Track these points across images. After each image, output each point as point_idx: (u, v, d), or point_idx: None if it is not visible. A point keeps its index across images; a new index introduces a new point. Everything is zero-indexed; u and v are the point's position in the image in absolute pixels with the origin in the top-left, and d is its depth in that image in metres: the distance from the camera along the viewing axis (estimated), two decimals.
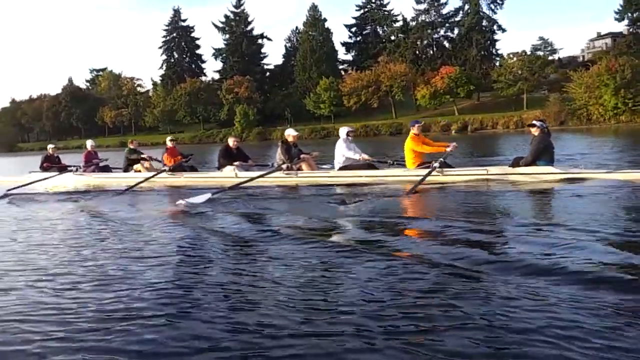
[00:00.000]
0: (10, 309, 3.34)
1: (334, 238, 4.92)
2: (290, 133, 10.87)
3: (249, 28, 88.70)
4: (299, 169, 10.32)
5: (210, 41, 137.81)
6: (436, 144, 9.72)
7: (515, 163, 8.68)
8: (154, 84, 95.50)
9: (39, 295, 3.61)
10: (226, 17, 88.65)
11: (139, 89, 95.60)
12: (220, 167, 11.31)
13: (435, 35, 75.02)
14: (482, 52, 70.45)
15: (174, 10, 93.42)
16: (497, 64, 68.45)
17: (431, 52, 74.25)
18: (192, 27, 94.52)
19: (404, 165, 9.80)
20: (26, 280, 4.04)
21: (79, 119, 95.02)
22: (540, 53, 63.02)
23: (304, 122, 71.11)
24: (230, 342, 2.66)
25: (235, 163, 11.03)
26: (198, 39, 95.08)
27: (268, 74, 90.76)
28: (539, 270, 3.48)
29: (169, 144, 12.57)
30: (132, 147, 13.34)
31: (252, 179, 9.74)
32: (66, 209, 8.38)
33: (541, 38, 65.71)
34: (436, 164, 8.84)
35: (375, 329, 2.70)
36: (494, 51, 72.56)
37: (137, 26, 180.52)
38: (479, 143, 28.46)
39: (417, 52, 75.31)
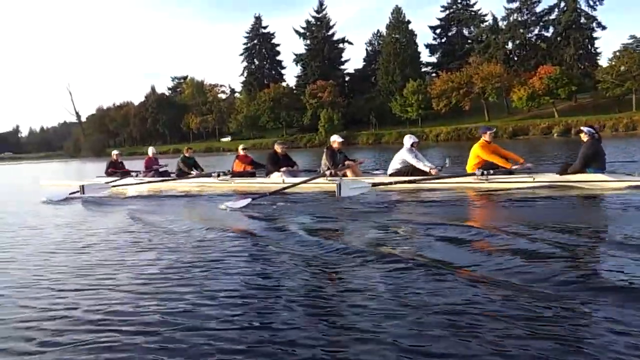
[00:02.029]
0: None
1: (365, 246, 4.72)
2: (335, 139, 10.84)
3: (330, 33, 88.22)
4: (344, 175, 10.33)
5: (288, 47, 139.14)
6: (510, 155, 9.20)
7: (564, 170, 8.34)
8: (232, 90, 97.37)
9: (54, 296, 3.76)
10: (307, 22, 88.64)
11: (222, 95, 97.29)
12: (268, 174, 11.42)
13: (529, 35, 71.29)
14: (581, 51, 66.35)
15: (255, 17, 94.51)
16: (600, 62, 64.29)
17: (524, 52, 70.61)
18: (273, 34, 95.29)
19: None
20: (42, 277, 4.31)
21: (165, 125, 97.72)
22: None
23: (390, 126, 69.50)
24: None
25: (282, 169, 11.07)
26: (278, 45, 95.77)
27: (348, 78, 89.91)
28: (603, 288, 3.21)
29: (241, 152, 12.83)
30: (187, 155, 13.57)
31: (294, 184, 9.80)
32: (120, 210, 8.79)
33: (632, 36, 60.90)
34: (478, 172, 8.75)
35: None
36: (593, 50, 68.19)
37: (216, 34, 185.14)
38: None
39: (509, 52, 71.89)
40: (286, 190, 9.52)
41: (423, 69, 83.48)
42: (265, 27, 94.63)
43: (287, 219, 6.74)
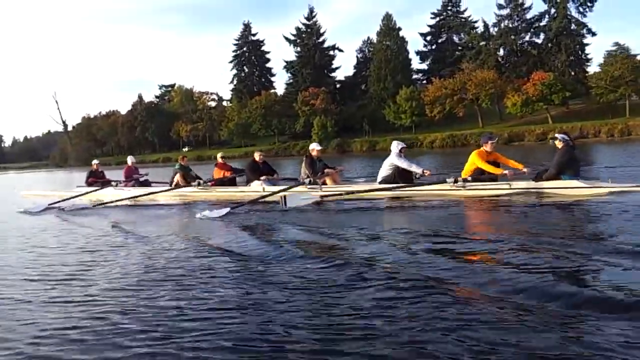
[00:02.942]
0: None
1: (344, 256, 4.71)
2: (314, 147, 10.90)
3: (320, 40, 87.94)
4: (323, 183, 10.33)
5: (277, 55, 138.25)
6: (511, 163, 9.01)
7: (539, 177, 8.45)
8: (220, 98, 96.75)
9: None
10: (298, 29, 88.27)
11: (212, 103, 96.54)
12: (248, 182, 11.56)
13: (519, 41, 71.60)
14: (572, 57, 66.76)
15: (244, 24, 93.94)
16: (590, 68, 64.80)
17: (515, 58, 70.87)
18: (262, 41, 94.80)
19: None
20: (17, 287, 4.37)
21: (154, 133, 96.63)
22: None
23: (383, 133, 69.16)
24: None
25: (262, 177, 11.19)
26: (268, 52, 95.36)
27: (339, 85, 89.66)
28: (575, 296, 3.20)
29: (220, 160, 12.79)
30: (182, 163, 13.51)
31: (274, 193, 9.85)
32: (96, 221, 8.82)
33: (616, 43, 61.35)
34: (451, 179, 8.79)
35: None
36: (583, 56, 68.66)
37: (204, 42, 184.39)
38: (590, 154, 25.87)
39: (500, 59, 72.11)
40: (266, 199, 9.64)
41: (414, 76, 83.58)
42: (254, 35, 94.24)
43: (265, 228, 6.82)
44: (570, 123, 55.85)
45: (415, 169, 9.68)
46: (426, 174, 9.61)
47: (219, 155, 13.13)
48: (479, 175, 8.94)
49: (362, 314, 3.17)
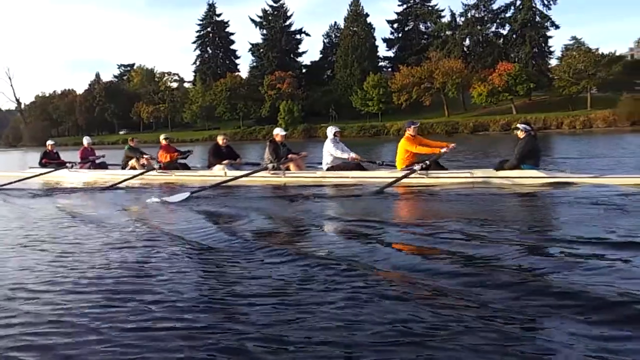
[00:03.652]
0: None
1: (305, 245, 4.64)
2: (278, 132, 10.80)
3: (287, 23, 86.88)
4: (287, 168, 10.32)
5: (241, 37, 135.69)
6: (435, 143, 9.40)
7: (500, 166, 8.54)
8: (181, 80, 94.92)
9: None
10: (264, 11, 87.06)
11: (173, 84, 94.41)
12: (210, 166, 11.40)
13: (485, 32, 72.33)
14: (535, 50, 67.91)
15: (208, 4, 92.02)
16: (554, 61, 66.20)
17: (480, 48, 71.56)
18: (227, 22, 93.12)
19: (393, 166, 9.70)
20: None
21: (114, 114, 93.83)
22: (605, 51, 60.20)
23: (349, 120, 69.09)
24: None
25: (225, 162, 11.04)
26: (233, 34, 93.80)
27: (305, 70, 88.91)
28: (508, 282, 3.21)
29: (163, 141, 12.41)
30: (132, 145, 13.35)
31: (236, 178, 9.79)
32: (46, 205, 8.38)
33: (573, 37, 63.44)
34: (417, 167, 8.69)
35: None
36: (546, 49, 69.97)
37: (164, 21, 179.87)
38: (550, 145, 26.48)
39: (466, 49, 72.71)
40: (228, 184, 9.49)
41: (380, 63, 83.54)
42: (219, 15, 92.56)
43: (226, 213, 6.66)
44: (533, 114, 56.94)
45: (339, 154, 9.74)
46: (350, 158, 9.69)
47: (162, 137, 12.76)
48: (415, 161, 9.11)
49: (325, 308, 2.99)
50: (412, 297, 3.06)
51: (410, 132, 9.36)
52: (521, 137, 8.44)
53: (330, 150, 9.84)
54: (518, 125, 8.66)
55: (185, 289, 3.45)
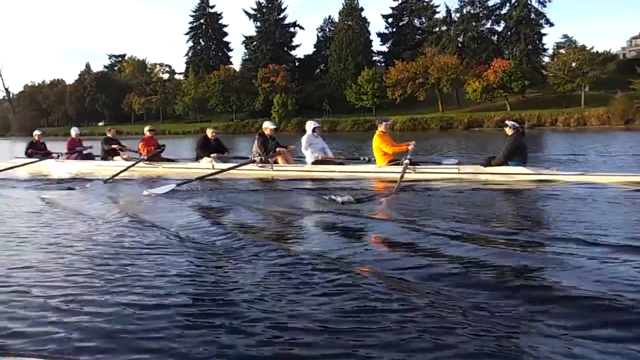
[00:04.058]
0: None
1: (286, 239, 4.64)
2: (267, 126, 10.78)
3: (281, 16, 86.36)
4: (275, 162, 10.34)
5: (234, 29, 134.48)
6: (397, 144, 9.55)
7: (488, 162, 8.65)
8: (172, 71, 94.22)
9: None
10: (258, 4, 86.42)
11: (166, 76, 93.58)
12: (197, 158, 11.42)
13: (480, 28, 72.18)
14: (529, 47, 67.94)
15: None
16: (547, 58, 66.29)
17: (475, 45, 71.41)
18: (220, 14, 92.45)
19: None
20: None
21: (105, 104, 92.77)
22: (599, 49, 60.37)
23: (342, 114, 68.76)
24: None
25: (212, 155, 11.07)
26: (226, 26, 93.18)
27: (298, 63, 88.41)
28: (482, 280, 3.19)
29: (147, 133, 12.53)
30: (109, 135, 13.37)
31: (223, 170, 9.73)
32: (29, 195, 8.33)
33: (565, 35, 63.76)
34: (407, 161, 8.70)
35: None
36: (540, 46, 70.02)
37: (156, 12, 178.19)
38: (544, 142, 26.57)
39: (461, 44, 72.54)
40: (215, 177, 9.47)
41: (374, 58, 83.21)
42: (212, 7, 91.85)
43: (211, 206, 6.61)
44: (527, 111, 56.93)
45: (308, 154, 9.98)
46: (323, 157, 9.90)
47: (146, 128, 12.86)
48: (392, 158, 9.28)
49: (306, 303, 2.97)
50: (393, 296, 3.01)
51: (381, 128, 9.52)
52: (509, 134, 8.56)
53: (302, 146, 10.11)
54: (507, 122, 8.79)
55: (164, 281, 3.41)
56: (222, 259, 3.97)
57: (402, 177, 8.17)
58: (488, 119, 56.56)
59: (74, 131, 14.46)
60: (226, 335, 2.54)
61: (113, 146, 13.03)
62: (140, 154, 12.18)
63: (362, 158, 10.49)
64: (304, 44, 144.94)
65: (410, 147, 9.02)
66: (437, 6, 79.71)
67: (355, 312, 2.79)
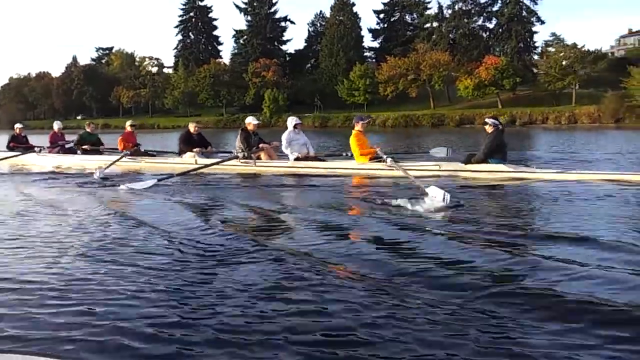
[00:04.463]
0: None
1: (264, 234, 4.61)
2: (250, 121, 10.76)
3: (272, 10, 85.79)
4: (258, 157, 10.32)
5: (224, 23, 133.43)
6: (367, 148, 9.52)
7: (468, 160, 8.66)
8: (161, 65, 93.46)
9: None
10: None
11: (155, 69, 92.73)
12: (180, 153, 11.34)
13: (472, 25, 72.23)
14: (520, 44, 68.16)
15: None
16: (537, 56, 66.56)
17: (467, 42, 71.46)
18: (210, 8, 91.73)
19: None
20: None
21: (92, 97, 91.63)
22: (590, 48, 60.74)
23: (334, 109, 68.49)
24: None
25: (195, 149, 11.01)
26: (216, 19, 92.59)
27: (289, 58, 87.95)
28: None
29: (128, 128, 12.59)
30: (88, 130, 13.23)
31: (206, 166, 9.68)
32: (6, 190, 8.28)
33: (553, 34, 64.21)
34: (389, 159, 8.77)
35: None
36: (531, 44, 70.31)
37: (145, 4, 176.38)
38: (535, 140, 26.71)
39: (452, 41, 72.55)
40: (197, 172, 9.43)
41: (365, 54, 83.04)
42: (202, 0, 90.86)
43: (191, 201, 6.55)
44: (518, 108, 57.21)
45: (288, 151, 9.98)
46: (293, 156, 9.92)
47: (128, 123, 12.84)
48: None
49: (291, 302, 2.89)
50: (371, 294, 2.95)
51: (358, 127, 9.54)
52: (489, 131, 8.57)
53: (282, 142, 10.11)
54: (487, 120, 8.84)
55: (141, 278, 3.34)
56: (200, 256, 3.89)
57: (405, 174, 8.09)
58: (480, 117, 56.59)
59: (56, 125, 14.31)
60: (198, 334, 2.47)
61: (84, 147, 12.83)
62: (121, 149, 12.06)
63: (344, 154, 10.33)
64: (294, 39, 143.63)
65: (377, 149, 9.19)
66: (429, 2, 79.78)
67: (331, 310, 2.74)
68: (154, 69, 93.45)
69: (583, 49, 58.31)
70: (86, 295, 3.02)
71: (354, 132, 9.57)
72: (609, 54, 75.29)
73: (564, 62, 56.76)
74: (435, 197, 5.89)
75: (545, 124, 52.87)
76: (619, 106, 48.99)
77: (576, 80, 56.84)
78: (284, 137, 10.10)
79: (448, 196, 5.77)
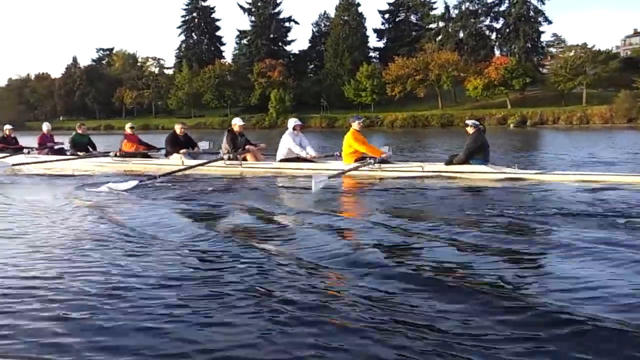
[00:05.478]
0: None
1: (247, 234, 4.65)
2: (236, 122, 10.80)
3: (276, 10, 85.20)
4: (244, 159, 10.36)
5: (227, 23, 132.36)
6: (371, 146, 9.66)
7: (450, 161, 8.80)
8: (162, 65, 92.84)
9: None
10: None
11: (157, 70, 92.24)
12: (167, 155, 11.38)
13: (479, 25, 71.73)
14: (528, 44, 67.73)
15: None
16: (546, 56, 66.07)
17: (474, 42, 70.94)
18: (213, 8, 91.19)
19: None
20: None
21: (95, 99, 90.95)
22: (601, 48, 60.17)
23: (341, 110, 67.80)
24: None
25: (182, 151, 11.02)
26: (219, 20, 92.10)
27: (293, 58, 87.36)
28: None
29: (128, 130, 12.53)
30: (79, 132, 13.08)
31: (192, 167, 9.84)
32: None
33: (554, 34, 64.52)
34: (371, 160, 8.95)
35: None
36: (538, 44, 69.88)
37: (146, 4, 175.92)
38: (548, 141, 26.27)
39: (459, 41, 72.04)
40: (184, 172, 9.52)
41: (370, 54, 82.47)
42: (205, 0, 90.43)
43: (175, 203, 6.54)
44: (528, 108, 56.72)
45: (298, 151, 9.83)
46: (310, 157, 9.86)
47: (127, 125, 12.89)
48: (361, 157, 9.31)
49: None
50: (354, 298, 2.95)
51: (355, 126, 9.57)
52: (470, 132, 8.66)
53: (289, 145, 9.95)
54: (467, 122, 8.93)
55: (123, 280, 3.35)
56: (183, 255, 3.93)
57: (348, 171, 8.58)
58: (490, 117, 56.02)
59: (45, 127, 14.22)
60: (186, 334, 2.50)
61: (79, 153, 12.49)
62: (120, 150, 12.11)
63: (335, 154, 10.35)
64: (298, 39, 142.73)
65: (384, 156, 9.19)
66: (434, 2, 79.38)
67: (316, 310, 2.75)
68: (156, 70, 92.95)
69: (594, 49, 57.71)
70: (68, 298, 3.01)
71: (351, 130, 9.62)
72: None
73: (575, 62, 56.02)
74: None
75: (557, 124, 52.27)
76: (632, 106, 48.44)
77: (586, 81, 56.17)
78: (289, 139, 10.00)
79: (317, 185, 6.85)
